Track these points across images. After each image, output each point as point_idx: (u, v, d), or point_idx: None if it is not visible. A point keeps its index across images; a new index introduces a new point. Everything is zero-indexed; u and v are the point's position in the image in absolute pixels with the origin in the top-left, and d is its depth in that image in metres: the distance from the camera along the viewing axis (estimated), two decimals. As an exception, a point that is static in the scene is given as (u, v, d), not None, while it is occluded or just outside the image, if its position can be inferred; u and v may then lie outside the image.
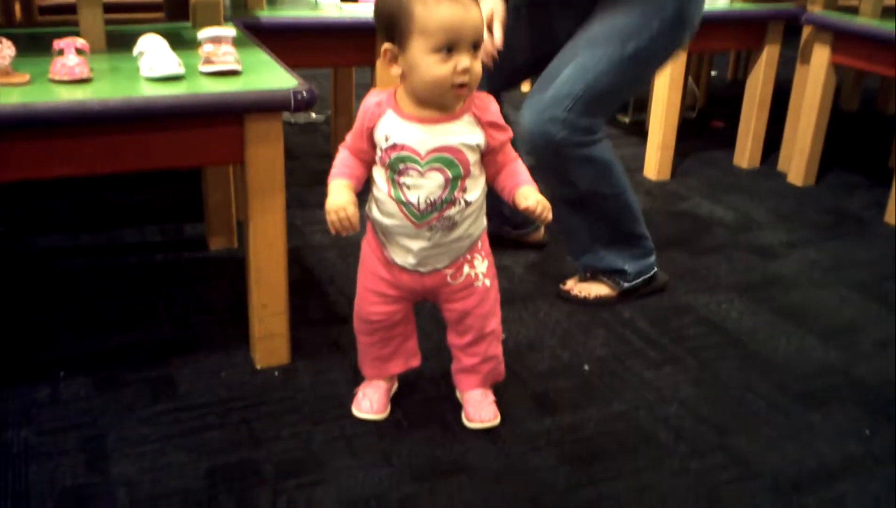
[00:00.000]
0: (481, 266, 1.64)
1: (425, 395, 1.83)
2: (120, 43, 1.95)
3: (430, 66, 1.42)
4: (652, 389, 1.90)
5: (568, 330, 2.12)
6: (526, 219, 2.47)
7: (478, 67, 1.44)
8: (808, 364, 2.03)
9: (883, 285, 2.45)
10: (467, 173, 1.52)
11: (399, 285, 1.64)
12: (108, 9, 2.05)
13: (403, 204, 1.53)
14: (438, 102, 1.48)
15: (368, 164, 1.56)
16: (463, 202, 1.54)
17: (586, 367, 1.97)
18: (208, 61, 1.77)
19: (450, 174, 1.50)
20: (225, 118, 1.69)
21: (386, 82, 2.60)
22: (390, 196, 1.53)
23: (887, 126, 3.81)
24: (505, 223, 2.49)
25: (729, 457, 1.69)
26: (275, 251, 1.82)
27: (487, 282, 1.65)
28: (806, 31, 3.21)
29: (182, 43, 1.97)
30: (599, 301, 2.25)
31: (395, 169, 1.51)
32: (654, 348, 2.07)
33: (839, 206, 3.05)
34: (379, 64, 2.58)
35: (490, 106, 1.53)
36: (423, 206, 1.52)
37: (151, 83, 1.70)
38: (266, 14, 2.53)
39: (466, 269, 1.63)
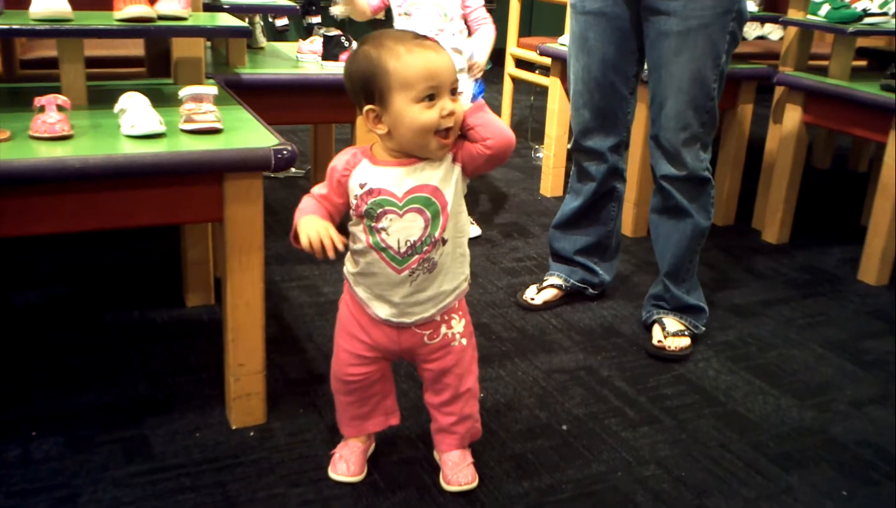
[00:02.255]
0: (458, 326, 1.64)
1: (402, 456, 1.82)
2: (101, 99, 1.96)
3: (416, 115, 1.43)
4: (630, 449, 1.90)
5: (546, 389, 2.12)
6: (602, 281, 2.61)
7: (460, 110, 1.46)
8: (785, 424, 2.04)
9: (858, 344, 2.48)
10: (445, 208, 1.51)
11: (376, 346, 1.63)
12: (90, 63, 2.07)
13: (383, 250, 1.52)
14: (423, 154, 1.49)
15: (330, 215, 1.54)
16: (441, 240, 1.53)
17: (564, 427, 1.96)
18: (189, 119, 1.78)
19: (429, 214, 1.50)
20: (205, 177, 1.69)
21: (366, 139, 2.62)
22: (369, 245, 1.52)
23: (859, 184, 3.87)
24: (589, 284, 2.60)
25: (708, 520, 1.68)
26: (252, 310, 1.81)
27: (464, 341, 1.65)
28: (778, 91, 3.28)
29: (163, 100, 1.98)
30: (684, 354, 2.33)
31: (373, 216, 1.50)
32: (631, 407, 2.06)
33: (813, 264, 3.08)
34: (359, 121, 2.60)
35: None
36: (403, 249, 1.51)
37: (132, 141, 1.71)
38: (247, 71, 2.55)
39: (443, 329, 1.62)
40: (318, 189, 1.56)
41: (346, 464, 1.73)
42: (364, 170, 1.51)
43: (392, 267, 1.53)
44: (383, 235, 1.51)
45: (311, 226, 1.48)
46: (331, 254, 1.46)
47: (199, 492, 1.67)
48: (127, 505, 1.61)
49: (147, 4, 1.93)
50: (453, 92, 1.46)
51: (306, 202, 1.56)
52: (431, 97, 1.43)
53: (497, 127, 1.49)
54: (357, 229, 1.54)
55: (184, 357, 2.15)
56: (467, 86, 2.76)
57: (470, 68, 2.76)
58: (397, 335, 1.61)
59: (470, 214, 2.91)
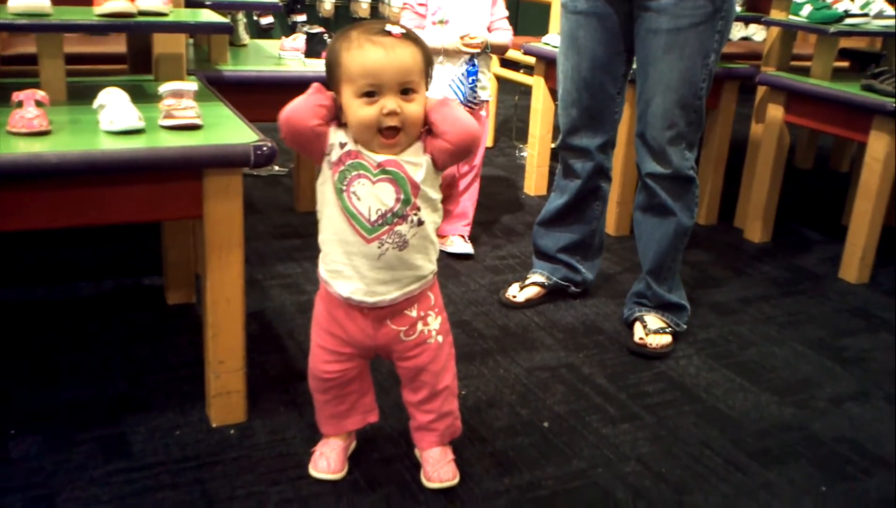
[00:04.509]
0: (434, 323, 1.64)
1: (383, 454, 1.81)
2: (81, 95, 1.95)
3: (356, 109, 1.45)
4: (610, 446, 1.90)
5: (527, 387, 2.12)
6: (585, 280, 2.63)
7: (412, 110, 1.46)
8: (765, 421, 2.05)
9: (837, 342, 2.49)
10: (417, 191, 1.51)
11: (351, 342, 1.63)
12: (71, 60, 2.05)
13: (353, 216, 1.51)
14: (371, 148, 1.49)
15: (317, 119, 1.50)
16: (415, 221, 1.53)
17: (545, 424, 1.97)
18: (169, 115, 1.77)
19: (401, 189, 1.50)
20: (184, 173, 1.69)
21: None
22: (339, 208, 1.52)
23: (841, 184, 3.89)
24: (571, 282, 2.61)
25: (687, 516, 1.69)
26: (232, 307, 1.80)
27: (440, 338, 1.65)
28: (760, 91, 3.30)
29: (144, 96, 1.97)
30: (665, 351, 2.34)
31: (345, 178, 1.50)
32: (612, 404, 2.07)
33: (795, 262, 3.10)
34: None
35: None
36: (373, 216, 1.51)
37: (111, 137, 1.70)
38: (229, 68, 2.54)
39: (420, 326, 1.63)
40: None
41: (326, 461, 1.73)
42: (344, 132, 1.51)
43: (361, 235, 1.52)
44: (353, 199, 1.50)
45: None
46: None
47: (179, 490, 1.66)
48: (105, 504, 1.61)
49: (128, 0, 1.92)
50: (405, 92, 1.45)
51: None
52: (371, 94, 1.44)
53: (457, 121, 1.49)
54: (329, 191, 1.53)
55: (164, 355, 2.14)
56: (456, 70, 2.75)
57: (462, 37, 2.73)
58: (373, 330, 1.61)
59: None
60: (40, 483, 1.65)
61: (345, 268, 1.56)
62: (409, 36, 1.48)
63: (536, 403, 2.05)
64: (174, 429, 1.84)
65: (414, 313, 1.61)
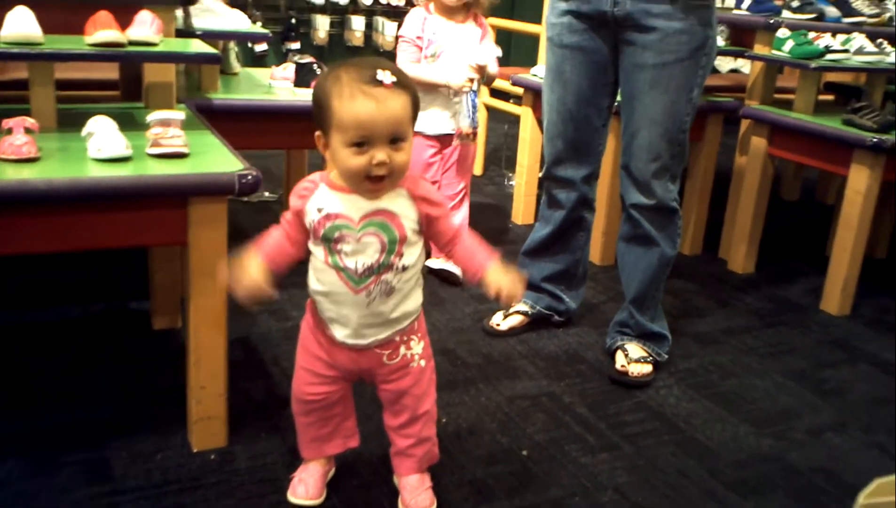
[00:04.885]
0: (417, 347, 1.67)
1: (362, 480, 1.83)
2: (70, 122, 1.97)
3: (346, 158, 1.47)
4: (589, 475, 1.92)
5: (508, 415, 2.14)
6: (568, 309, 2.65)
7: (400, 158, 1.48)
8: (743, 452, 2.07)
9: (818, 373, 2.52)
10: (403, 238, 1.55)
11: (335, 365, 1.66)
12: (63, 86, 2.08)
13: (341, 269, 1.55)
14: (358, 192, 1.52)
15: (296, 245, 1.60)
16: (400, 267, 1.56)
17: (524, 452, 1.98)
18: (156, 144, 1.80)
19: (385, 238, 1.53)
20: (169, 200, 1.72)
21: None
22: (327, 263, 1.56)
23: (826, 215, 3.93)
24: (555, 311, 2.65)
25: (662, 545, 1.71)
26: (215, 333, 1.82)
27: (423, 363, 1.68)
28: (744, 124, 3.34)
29: (133, 124, 2.00)
30: (646, 380, 2.36)
31: (330, 239, 1.54)
32: (592, 433, 2.09)
33: (778, 293, 3.13)
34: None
35: (421, 184, 1.58)
36: (360, 270, 1.54)
37: (98, 164, 1.73)
38: (219, 96, 2.58)
39: (402, 350, 1.65)
40: (284, 215, 1.60)
41: (304, 487, 1.74)
42: (322, 195, 1.55)
43: (349, 286, 1.56)
44: (342, 255, 1.54)
45: (244, 277, 1.55)
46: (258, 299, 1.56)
47: (158, 514, 1.67)
48: (85, 527, 1.62)
49: (118, 30, 1.96)
50: (394, 141, 1.47)
51: (269, 235, 1.61)
52: (361, 145, 1.45)
53: (466, 259, 1.62)
54: (317, 249, 1.58)
55: (148, 380, 2.16)
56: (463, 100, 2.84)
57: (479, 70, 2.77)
58: (357, 354, 1.64)
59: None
60: (23, 505, 1.66)
61: (334, 316, 1.60)
62: (400, 83, 1.47)
63: (517, 431, 2.07)
64: (156, 453, 1.86)
65: (397, 338, 1.64)
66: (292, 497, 1.74)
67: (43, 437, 1.89)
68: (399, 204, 1.54)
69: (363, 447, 1.85)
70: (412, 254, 1.58)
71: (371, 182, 1.48)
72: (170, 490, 1.75)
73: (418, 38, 2.80)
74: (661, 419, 2.18)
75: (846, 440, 2.16)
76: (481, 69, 2.74)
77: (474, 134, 2.91)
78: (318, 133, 1.53)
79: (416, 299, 1.64)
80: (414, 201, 1.55)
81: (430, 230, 1.59)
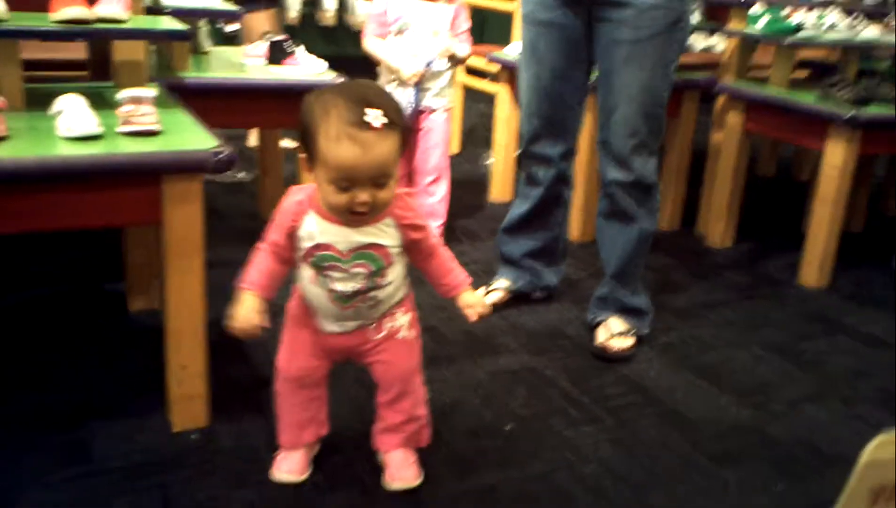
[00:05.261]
0: (402, 319, 1.68)
1: (345, 456, 1.82)
2: (38, 102, 1.93)
3: (329, 194, 1.47)
4: (572, 448, 1.92)
5: (491, 390, 2.13)
6: (549, 285, 2.66)
7: (383, 196, 1.48)
8: (723, 423, 2.08)
9: (796, 345, 2.53)
10: (389, 265, 1.58)
11: (324, 346, 1.67)
12: (29, 66, 2.04)
13: (329, 290, 1.58)
14: (341, 220, 1.52)
15: (286, 261, 1.60)
16: (385, 284, 1.60)
17: (508, 427, 1.98)
18: (127, 122, 1.77)
19: (373, 268, 1.57)
20: (142, 179, 1.68)
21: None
22: (315, 283, 1.58)
23: (801, 192, 3.95)
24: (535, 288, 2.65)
25: (646, 516, 1.71)
26: (193, 312, 1.80)
27: (411, 333, 1.70)
28: (720, 101, 3.35)
29: (103, 103, 1.96)
30: (627, 354, 2.36)
31: (320, 266, 1.56)
32: (574, 406, 2.09)
33: (755, 268, 3.15)
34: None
35: (409, 208, 1.58)
36: (348, 292, 1.57)
37: (68, 143, 1.69)
38: (191, 75, 2.54)
39: (387, 323, 1.66)
40: (272, 235, 1.58)
41: (288, 463, 1.73)
42: (310, 222, 1.54)
43: (337, 304, 1.59)
44: (330, 279, 1.57)
45: (239, 317, 1.55)
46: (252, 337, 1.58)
47: (139, 495, 1.65)
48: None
49: (85, 6, 1.92)
50: (379, 183, 1.46)
51: (255, 260, 1.60)
52: (345, 187, 1.44)
53: (440, 275, 1.67)
54: (305, 269, 1.59)
55: (126, 361, 2.13)
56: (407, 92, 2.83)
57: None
58: (343, 337, 1.66)
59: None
60: (-2, 489, 1.64)
61: (320, 314, 1.64)
62: (391, 123, 1.43)
63: (500, 406, 2.07)
64: (135, 434, 1.84)
65: (382, 317, 1.66)
66: (276, 473, 1.72)
67: (18, 420, 1.86)
68: (386, 234, 1.56)
69: (345, 423, 1.84)
70: (395, 271, 1.61)
71: (353, 215, 1.49)
72: (150, 470, 1.73)
73: (384, 12, 2.79)
74: (643, 393, 2.18)
75: (825, 411, 2.18)
76: (450, 55, 2.79)
77: (428, 112, 2.90)
78: (302, 156, 1.50)
79: (400, 294, 1.67)
80: (400, 229, 1.57)
81: (410, 249, 1.62)
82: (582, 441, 1.95)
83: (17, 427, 1.83)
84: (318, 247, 1.54)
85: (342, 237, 1.53)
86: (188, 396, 1.85)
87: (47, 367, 2.08)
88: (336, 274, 1.56)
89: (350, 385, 2.05)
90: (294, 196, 1.57)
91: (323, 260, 1.55)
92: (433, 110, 2.89)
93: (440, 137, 2.93)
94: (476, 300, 1.68)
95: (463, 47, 2.87)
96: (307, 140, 1.47)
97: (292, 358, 1.69)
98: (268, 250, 1.59)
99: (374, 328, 1.65)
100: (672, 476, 1.84)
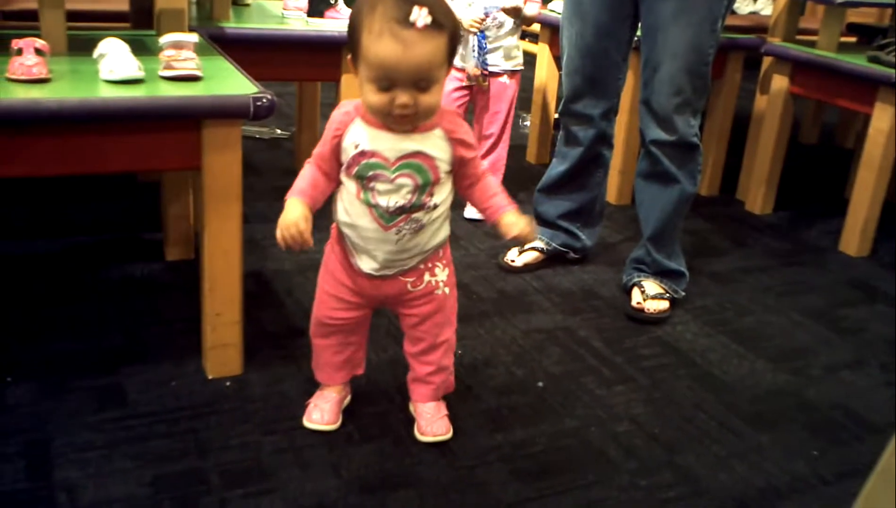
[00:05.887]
0: (442, 274, 1.65)
1: (378, 408, 1.82)
2: (81, 46, 1.94)
3: (369, 93, 1.43)
4: (604, 406, 1.91)
5: (524, 347, 2.13)
6: (584, 246, 2.63)
7: (426, 101, 1.42)
8: (759, 387, 2.05)
9: (835, 312, 2.49)
10: (437, 180, 1.53)
11: (359, 292, 1.64)
12: (71, 17, 2.04)
13: (372, 206, 1.52)
14: (388, 125, 1.48)
15: (332, 179, 1.56)
16: (431, 205, 1.54)
17: (540, 384, 1.97)
18: (168, 66, 1.76)
19: (419, 180, 1.51)
20: (182, 123, 1.68)
21: (350, 98, 2.60)
22: (359, 198, 1.53)
23: (844, 159, 3.88)
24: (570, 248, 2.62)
25: (678, 475, 1.70)
26: (230, 259, 1.81)
27: (447, 290, 1.67)
28: (765, 62, 3.28)
29: (144, 49, 1.96)
30: (663, 316, 2.34)
31: (364, 176, 1.51)
32: (607, 366, 2.07)
33: (795, 235, 3.09)
34: (343, 80, 2.58)
35: (459, 124, 1.54)
36: (392, 209, 1.52)
37: (110, 85, 1.69)
38: (231, 25, 2.53)
39: (427, 277, 1.63)
40: (318, 148, 1.56)
41: (320, 413, 1.73)
42: (357, 130, 1.50)
43: (380, 223, 1.53)
44: (374, 193, 1.51)
45: (285, 219, 1.50)
46: (298, 249, 1.52)
47: (173, 438, 1.67)
48: (99, 449, 1.62)
49: (128, -49, 1.91)
50: (421, 86, 1.40)
51: (302, 172, 1.57)
52: (385, 84, 1.40)
53: (484, 199, 1.61)
54: (349, 183, 1.54)
55: (161, 309, 2.15)
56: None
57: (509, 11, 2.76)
58: (381, 282, 1.62)
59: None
60: (35, 428, 1.66)
61: (361, 248, 1.58)
62: (437, 22, 1.38)
63: (532, 363, 2.06)
64: (170, 380, 1.85)
65: (422, 266, 1.62)
66: (308, 423, 1.73)
67: (54, 363, 1.88)
68: (435, 145, 1.51)
69: (378, 375, 1.84)
70: (443, 192, 1.56)
71: (396, 120, 1.45)
72: (184, 415, 1.74)
73: None
74: (678, 354, 2.16)
75: (863, 377, 2.14)
76: (515, 10, 2.72)
77: (497, 75, 2.82)
78: (349, 56, 1.48)
79: (444, 233, 1.63)
80: (450, 142, 1.52)
81: (458, 171, 1.57)
82: (614, 400, 1.93)
83: (55, 370, 1.86)
84: (363, 154, 1.49)
85: (389, 144, 1.48)
86: (222, 344, 1.87)
87: (81, 312, 2.11)
88: (381, 185, 1.50)
89: (383, 338, 2.05)
90: (342, 107, 1.53)
91: (368, 168, 1.49)
92: (500, 75, 2.81)
93: (504, 104, 2.86)
94: (518, 220, 1.58)
95: (532, 6, 2.80)
96: (351, 41, 1.44)
97: (326, 310, 1.68)
98: (313, 162, 1.56)
99: (414, 280, 1.62)
100: (706, 438, 1.83)
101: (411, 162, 1.49)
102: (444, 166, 1.53)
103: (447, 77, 1.49)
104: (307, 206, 1.53)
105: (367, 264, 1.59)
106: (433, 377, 1.73)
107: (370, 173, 1.50)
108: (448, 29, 1.41)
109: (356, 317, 1.69)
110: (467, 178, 1.59)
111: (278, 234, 1.50)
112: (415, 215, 1.54)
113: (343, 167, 1.54)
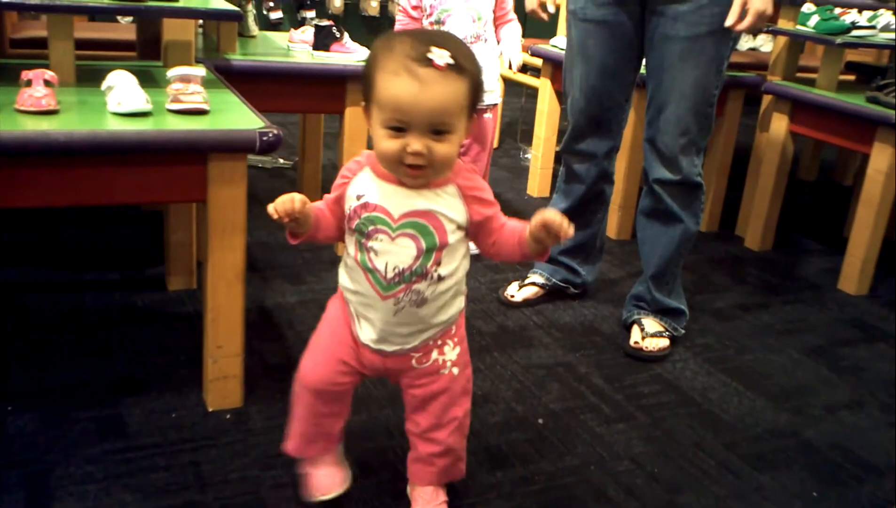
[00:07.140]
0: (451, 353, 1.51)
1: (377, 444, 1.82)
2: (89, 77, 1.96)
3: (380, 139, 1.32)
4: (604, 444, 1.91)
5: (523, 384, 2.13)
6: (584, 282, 2.62)
7: (441, 151, 1.31)
8: (759, 426, 2.05)
9: (834, 351, 2.50)
10: (444, 245, 1.39)
11: (360, 359, 1.51)
12: (81, 46, 2.06)
13: (369, 271, 1.41)
14: (398, 176, 1.37)
15: (336, 218, 1.46)
16: (435, 276, 1.41)
17: (540, 421, 1.97)
18: (176, 99, 1.78)
19: (424, 244, 1.38)
20: (189, 156, 1.70)
21: (354, 131, 2.63)
22: (357, 261, 1.42)
23: (844, 196, 3.90)
24: (571, 284, 2.62)
25: (678, 515, 1.70)
26: (233, 292, 1.81)
27: (455, 370, 1.51)
28: (765, 100, 3.30)
29: (152, 81, 1.98)
30: (662, 355, 2.33)
31: (363, 232, 1.40)
32: (607, 404, 2.08)
33: (794, 272, 3.11)
34: (348, 113, 2.61)
35: (475, 180, 1.42)
36: (389, 274, 1.39)
37: (118, 118, 1.71)
38: (237, 57, 2.55)
39: (434, 354, 1.50)
40: (328, 195, 1.47)
41: (320, 480, 1.61)
42: (364, 180, 1.41)
43: (376, 291, 1.42)
44: (371, 254, 1.40)
45: (282, 196, 1.36)
46: (278, 216, 1.35)
47: (172, 471, 1.67)
48: (99, 481, 1.61)
49: (139, -16, 1.93)
50: (437, 132, 1.30)
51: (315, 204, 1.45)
52: (398, 129, 1.30)
53: (511, 246, 1.44)
54: (349, 241, 1.45)
55: (163, 340, 2.15)
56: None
57: (510, 66, 2.84)
58: (383, 355, 1.49)
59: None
60: (36, 458, 1.66)
61: (361, 315, 1.47)
62: (458, 66, 1.28)
63: (532, 400, 2.06)
64: (170, 412, 1.85)
65: (430, 343, 1.49)
66: (315, 494, 1.60)
67: (56, 393, 1.88)
68: (447, 204, 1.38)
69: (378, 411, 1.84)
70: (452, 262, 1.42)
71: (408, 170, 1.33)
72: (184, 448, 1.74)
73: (413, 7, 2.76)
74: (677, 392, 2.16)
75: (863, 417, 2.15)
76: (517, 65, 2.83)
77: (485, 110, 2.82)
78: (363, 103, 1.37)
79: (454, 308, 1.48)
80: (465, 200, 1.40)
81: (478, 232, 1.44)
82: (614, 438, 1.93)
83: (54, 400, 1.86)
84: (365, 207, 1.38)
85: (395, 199, 1.36)
86: (224, 376, 1.87)
87: (83, 342, 2.11)
88: (379, 245, 1.38)
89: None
90: (357, 156, 1.44)
91: (369, 222, 1.37)
92: (483, 111, 2.80)
93: (488, 140, 2.86)
94: (553, 213, 1.35)
95: (513, 30, 2.84)
96: (365, 84, 1.33)
97: (316, 367, 1.52)
98: (322, 201, 1.46)
99: (420, 356, 1.48)
100: (706, 477, 1.83)
101: (416, 222, 1.37)
102: (453, 228, 1.40)
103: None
104: (308, 203, 1.39)
105: (366, 334, 1.47)
106: (438, 459, 1.56)
107: (370, 229, 1.39)
108: (470, 75, 1.31)
109: (350, 382, 1.54)
110: (490, 235, 1.44)
111: (270, 206, 1.35)
112: (416, 286, 1.40)
113: (346, 221, 1.44)
